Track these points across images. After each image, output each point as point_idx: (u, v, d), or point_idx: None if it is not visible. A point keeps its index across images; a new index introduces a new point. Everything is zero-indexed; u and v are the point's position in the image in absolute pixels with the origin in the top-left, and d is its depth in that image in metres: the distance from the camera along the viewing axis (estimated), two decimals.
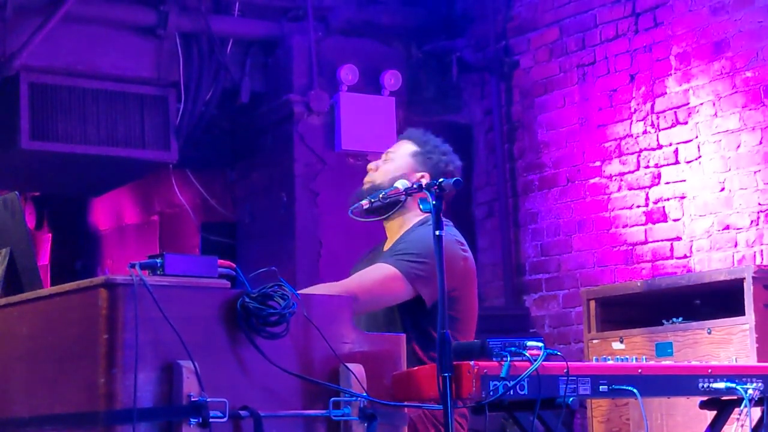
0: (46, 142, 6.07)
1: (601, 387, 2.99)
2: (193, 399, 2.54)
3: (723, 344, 4.61)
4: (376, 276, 3.39)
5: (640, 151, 5.96)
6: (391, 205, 3.50)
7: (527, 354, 2.86)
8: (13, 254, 3.10)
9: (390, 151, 3.68)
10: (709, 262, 5.57)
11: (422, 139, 3.69)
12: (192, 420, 2.54)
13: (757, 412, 3.32)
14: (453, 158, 3.70)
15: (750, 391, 3.19)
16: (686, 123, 5.74)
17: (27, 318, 2.81)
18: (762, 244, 5.35)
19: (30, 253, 3.11)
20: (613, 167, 6.09)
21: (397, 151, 3.66)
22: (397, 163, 3.62)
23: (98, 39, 6.18)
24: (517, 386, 2.82)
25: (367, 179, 3.66)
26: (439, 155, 3.65)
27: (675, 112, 5.80)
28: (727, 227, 5.52)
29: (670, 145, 5.82)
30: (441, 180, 2.95)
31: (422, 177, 3.56)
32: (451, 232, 3.49)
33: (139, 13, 6.26)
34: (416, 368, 2.94)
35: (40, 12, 5.96)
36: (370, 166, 3.68)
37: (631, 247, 5.99)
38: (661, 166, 5.86)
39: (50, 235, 9.01)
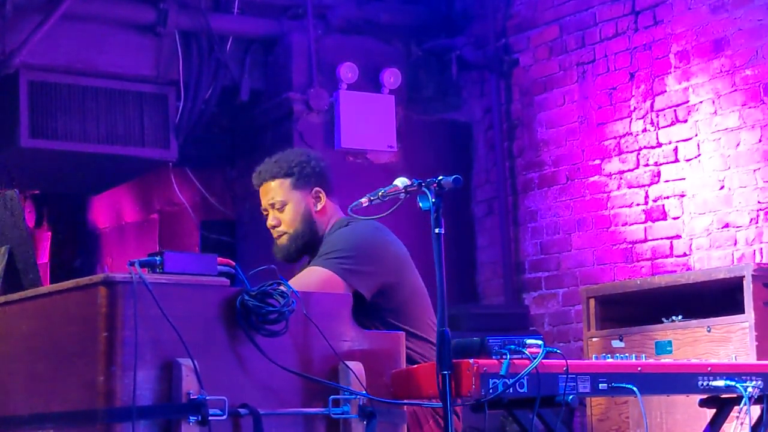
0: (45, 140, 6.07)
1: (600, 385, 2.99)
2: (192, 397, 2.54)
3: (722, 342, 4.61)
4: (311, 281, 3.37)
5: (640, 149, 5.96)
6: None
7: (527, 352, 2.86)
8: (12, 252, 3.11)
9: (272, 200, 3.63)
10: (709, 261, 5.57)
11: (279, 168, 3.65)
12: (191, 418, 2.54)
13: (756, 410, 3.32)
14: (312, 155, 3.71)
15: (749, 389, 3.19)
16: (686, 121, 5.74)
17: (26, 316, 2.82)
18: (761, 242, 5.35)
19: (29, 251, 3.11)
20: (613, 165, 6.09)
21: (278, 195, 3.63)
22: (288, 204, 3.61)
23: (98, 37, 6.17)
24: (517, 384, 2.82)
25: (279, 235, 3.63)
26: (305, 165, 3.64)
27: (675, 111, 5.80)
28: (727, 225, 5.52)
29: (670, 143, 5.82)
30: (440, 178, 2.94)
31: (318, 192, 3.63)
32: (370, 224, 3.54)
33: (139, 11, 6.25)
34: (416, 366, 2.95)
35: (40, 10, 5.95)
36: (271, 223, 3.64)
37: (630, 246, 5.99)
38: (661, 164, 5.86)
39: (50, 233, 9.01)
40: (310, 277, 3.40)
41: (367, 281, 3.43)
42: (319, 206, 3.62)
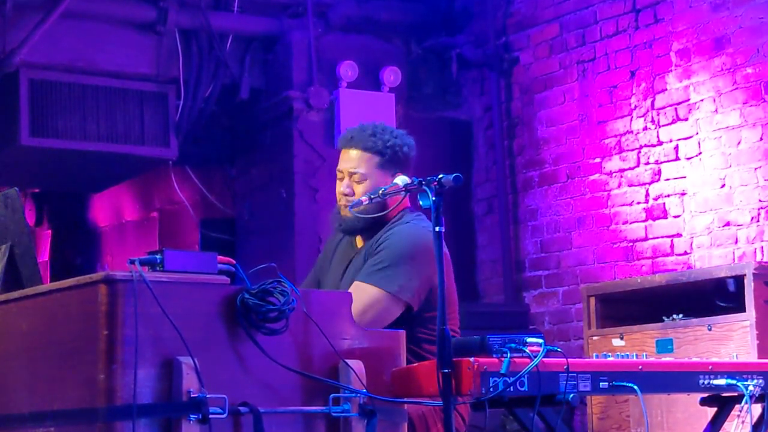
0: (45, 138, 6.06)
1: (601, 383, 2.98)
2: (192, 395, 2.54)
3: (723, 341, 4.61)
4: (366, 303, 3.29)
5: (641, 147, 5.96)
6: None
7: (527, 350, 2.86)
8: (13, 250, 3.10)
9: (354, 168, 3.52)
10: (710, 259, 5.56)
11: (372, 143, 3.51)
12: (192, 416, 2.54)
13: (757, 409, 3.32)
14: (407, 140, 3.58)
15: (750, 388, 3.19)
16: (687, 119, 5.74)
17: (27, 314, 2.81)
18: (762, 241, 5.35)
19: (30, 250, 3.11)
20: (613, 164, 6.09)
21: (362, 167, 3.51)
22: (368, 180, 3.49)
23: (98, 35, 6.17)
24: (517, 382, 2.82)
25: (347, 204, 3.51)
26: (398, 149, 3.53)
27: (675, 109, 5.80)
28: (728, 224, 5.51)
29: (671, 141, 5.81)
30: (441, 176, 2.94)
31: (397, 175, 3.49)
32: (427, 226, 3.48)
33: (139, 10, 6.25)
34: (416, 365, 2.94)
35: (40, 8, 5.95)
36: (344, 190, 3.54)
37: (631, 244, 5.98)
38: (662, 162, 5.85)
39: (50, 231, 9.01)
40: (364, 299, 3.29)
41: (419, 294, 3.36)
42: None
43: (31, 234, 3.26)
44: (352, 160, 3.54)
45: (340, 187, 3.56)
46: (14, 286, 3.02)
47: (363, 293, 3.33)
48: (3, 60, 5.91)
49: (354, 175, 3.53)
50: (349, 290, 3.31)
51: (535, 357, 2.84)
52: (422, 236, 3.42)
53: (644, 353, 3.29)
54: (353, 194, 3.52)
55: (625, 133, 6.04)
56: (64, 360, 2.63)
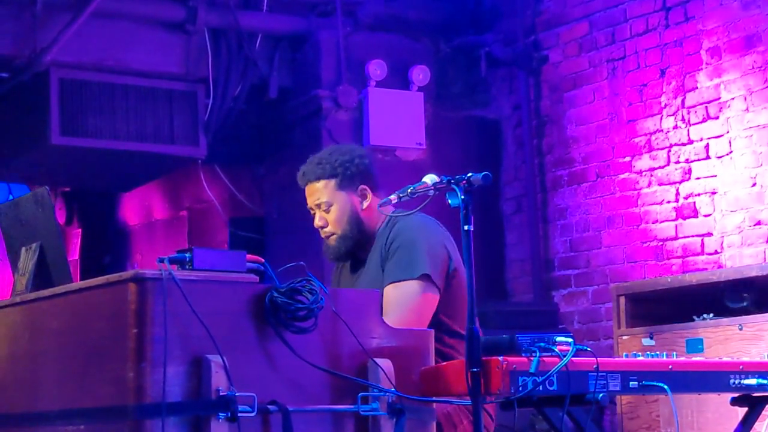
0: (75, 137, 6.09)
1: (631, 383, 2.97)
2: (221, 393, 2.55)
3: (754, 340, 4.58)
4: (414, 301, 3.35)
5: (671, 146, 5.92)
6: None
7: (556, 350, 2.85)
8: (43, 249, 3.12)
9: (317, 200, 3.59)
10: (741, 258, 5.52)
11: (322, 170, 3.58)
12: (221, 414, 2.54)
13: None
14: (356, 152, 3.63)
15: None
16: (717, 118, 5.70)
17: (57, 312, 2.83)
18: None
19: (60, 248, 3.12)
20: (643, 162, 6.06)
21: (323, 196, 3.58)
22: (334, 205, 3.58)
23: (127, 35, 6.20)
24: (547, 382, 2.81)
25: (327, 236, 3.61)
26: (348, 164, 3.58)
27: (706, 107, 5.76)
28: (759, 223, 5.47)
29: (701, 140, 5.78)
30: (469, 175, 2.93)
31: (363, 191, 3.59)
32: (426, 218, 3.54)
33: (168, 9, 6.27)
34: (445, 363, 2.94)
35: (70, 8, 5.98)
36: (318, 223, 3.62)
37: (661, 243, 5.95)
38: (692, 161, 5.82)
39: (80, 230, 9.06)
40: (409, 296, 3.35)
41: (441, 273, 3.44)
42: (366, 204, 3.58)
43: (62, 233, 3.27)
44: (312, 194, 3.62)
45: (315, 222, 3.63)
46: (44, 285, 3.03)
47: (396, 291, 3.37)
48: (33, 59, 5.95)
49: (320, 206, 3.60)
50: (384, 296, 3.34)
51: (565, 356, 2.83)
52: (427, 223, 3.54)
53: (674, 353, 3.27)
54: (327, 225, 3.61)
55: (655, 132, 6.00)
56: (94, 358, 2.64)
